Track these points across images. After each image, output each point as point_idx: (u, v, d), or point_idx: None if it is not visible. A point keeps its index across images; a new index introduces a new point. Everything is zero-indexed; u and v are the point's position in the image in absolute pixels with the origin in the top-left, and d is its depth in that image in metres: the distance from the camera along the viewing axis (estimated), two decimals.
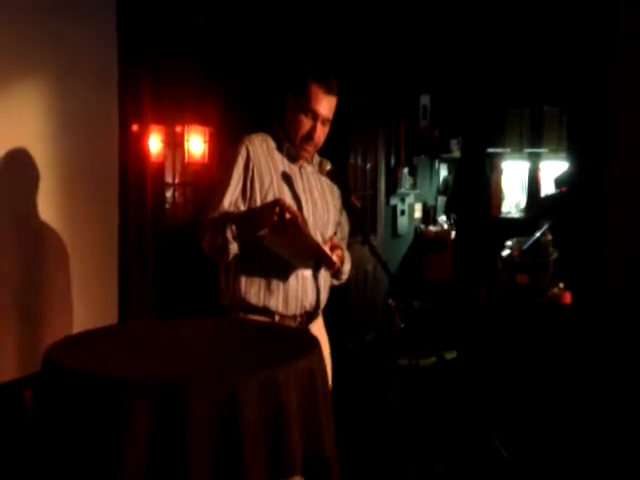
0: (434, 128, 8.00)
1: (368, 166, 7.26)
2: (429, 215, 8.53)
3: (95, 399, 1.89)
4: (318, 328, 2.93)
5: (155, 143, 5.00)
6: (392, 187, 7.55)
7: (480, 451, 3.87)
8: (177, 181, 5.32)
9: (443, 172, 8.76)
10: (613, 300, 5.09)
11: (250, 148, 2.80)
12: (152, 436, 1.84)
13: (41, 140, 3.74)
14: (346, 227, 3.13)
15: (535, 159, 7.26)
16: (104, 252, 4.24)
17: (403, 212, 7.92)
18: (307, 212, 2.85)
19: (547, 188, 7.08)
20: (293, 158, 2.90)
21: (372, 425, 4.65)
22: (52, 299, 3.80)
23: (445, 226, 8.32)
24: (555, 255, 5.75)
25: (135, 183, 4.54)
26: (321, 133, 2.84)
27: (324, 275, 2.91)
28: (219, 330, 2.61)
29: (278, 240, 2.67)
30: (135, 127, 4.61)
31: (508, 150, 7.30)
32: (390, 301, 2.57)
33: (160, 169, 5.12)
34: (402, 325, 2.55)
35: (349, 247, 3.09)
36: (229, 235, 2.62)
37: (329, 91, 2.81)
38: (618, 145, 5.24)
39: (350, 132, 6.67)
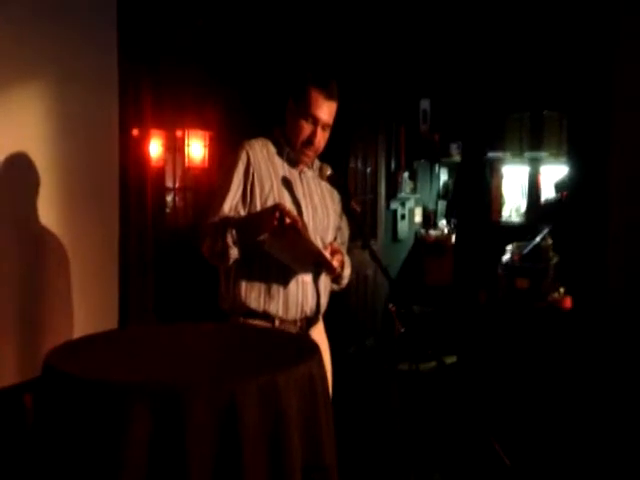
0: (434, 132, 8.01)
1: (368, 170, 7.27)
2: (429, 219, 8.53)
3: (95, 404, 1.89)
4: (318, 333, 2.92)
5: (155, 147, 5.01)
6: (392, 191, 7.56)
7: (481, 457, 3.87)
8: (177, 185, 5.33)
9: (443, 176, 8.77)
10: (613, 305, 5.09)
11: (250, 153, 2.80)
12: (152, 440, 1.84)
13: (41, 144, 3.74)
14: (346, 232, 3.13)
15: (535, 163, 7.26)
16: (104, 256, 4.24)
17: (403, 216, 7.93)
18: (307, 217, 2.85)
19: (547, 193, 7.08)
20: (293, 163, 2.90)
21: (372, 430, 4.64)
22: (52, 304, 3.80)
23: (445, 230, 8.33)
24: (555, 260, 5.76)
25: (135, 187, 4.55)
26: (321, 138, 2.84)
27: (324, 280, 2.91)
28: (219, 335, 2.60)
29: (278, 245, 2.67)
30: (135, 131, 4.61)
31: (508, 154, 7.31)
32: (390, 306, 2.57)
33: (160, 173, 5.13)
34: (402, 330, 2.55)
35: (349, 252, 3.08)
36: (229, 240, 2.62)
37: (329, 96, 2.81)
38: (618, 149, 5.25)
39: (350, 136, 6.68)
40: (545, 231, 5.90)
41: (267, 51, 5.51)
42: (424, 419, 4.85)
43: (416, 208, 8.29)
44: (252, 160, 2.79)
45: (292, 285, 2.79)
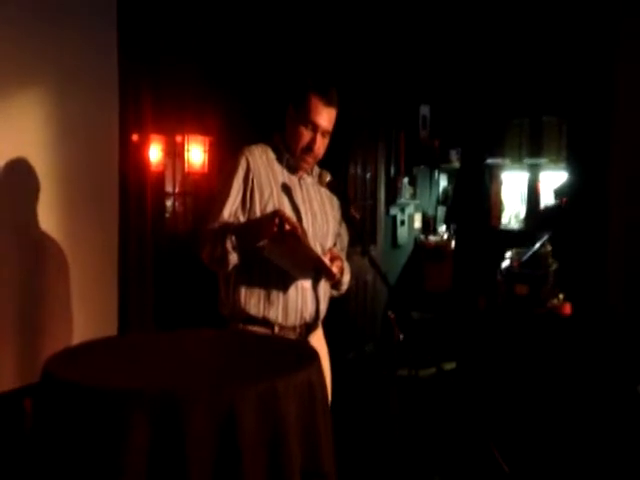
0: (434, 138, 8.02)
1: (368, 176, 7.27)
2: (429, 225, 8.53)
3: (94, 411, 1.89)
4: (318, 340, 2.93)
5: (155, 152, 5.01)
6: (392, 197, 7.56)
7: (480, 463, 3.87)
8: (177, 190, 5.33)
9: (443, 182, 8.77)
10: (613, 311, 5.10)
11: (250, 159, 2.81)
12: (152, 447, 1.84)
13: (41, 149, 3.74)
14: (345, 238, 3.13)
15: (535, 170, 7.27)
16: (104, 261, 4.24)
17: (403, 222, 7.93)
18: (306, 223, 2.85)
19: (547, 199, 7.09)
20: (293, 169, 2.90)
21: (372, 436, 4.64)
22: (52, 309, 3.80)
23: (445, 236, 8.33)
24: (555, 266, 5.76)
25: (135, 192, 4.54)
26: (321, 145, 2.85)
27: (324, 286, 2.91)
28: (219, 341, 2.61)
29: (278, 251, 2.67)
30: (135, 136, 4.61)
31: (507, 161, 7.31)
32: (389, 313, 2.57)
33: (160, 178, 5.13)
34: (401, 337, 2.55)
35: (348, 258, 3.09)
36: (229, 246, 2.62)
37: (329, 103, 2.81)
38: (617, 155, 5.26)
39: (350, 142, 6.68)
40: (544, 237, 5.90)
41: (268, 57, 5.52)
42: (423, 425, 4.85)
43: (416, 214, 8.29)
44: (252, 166, 2.80)
45: (291, 291, 2.79)
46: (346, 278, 3.00)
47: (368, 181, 7.29)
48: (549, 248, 5.83)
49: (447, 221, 8.54)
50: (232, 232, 2.64)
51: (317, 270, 2.78)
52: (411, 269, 8.09)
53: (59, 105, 3.84)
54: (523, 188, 7.52)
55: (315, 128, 2.80)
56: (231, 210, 2.77)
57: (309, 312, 2.85)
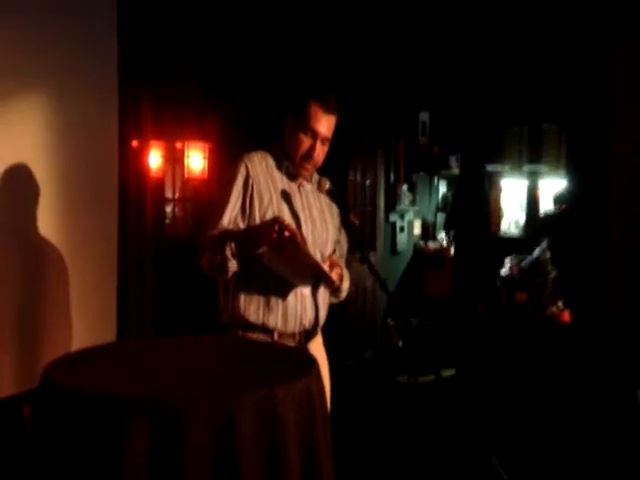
0: (433, 145, 8.03)
1: (367, 183, 7.28)
2: (428, 232, 8.53)
3: (93, 418, 1.89)
4: (317, 347, 2.92)
5: (155, 159, 5.02)
6: (391, 204, 7.57)
7: (479, 470, 3.86)
8: (177, 196, 5.34)
9: (442, 189, 8.78)
10: (612, 318, 5.10)
11: (249, 166, 2.81)
12: (150, 455, 1.84)
13: (41, 155, 3.74)
14: (345, 245, 3.13)
15: (534, 177, 7.28)
16: (103, 267, 4.23)
17: (402, 229, 7.93)
18: (306, 230, 2.85)
19: (546, 206, 7.09)
20: (292, 176, 2.90)
21: (371, 443, 4.63)
22: (51, 315, 3.80)
23: (444, 243, 8.33)
24: (554, 273, 5.76)
25: (135, 198, 4.55)
26: (320, 152, 2.85)
27: (323, 293, 2.91)
28: (218, 348, 2.60)
29: (277, 258, 2.67)
30: (135, 143, 4.62)
31: (507, 167, 7.32)
32: (389, 320, 2.57)
33: (160, 184, 5.14)
34: (400, 344, 2.55)
35: (348, 264, 3.08)
36: (228, 253, 2.62)
37: (328, 110, 2.82)
38: (617, 163, 5.27)
39: (349, 149, 6.69)
40: (544, 244, 5.91)
41: (267, 64, 5.53)
42: (423, 432, 4.85)
43: (415, 220, 8.29)
44: (251, 173, 2.80)
45: (291, 298, 2.79)
46: (345, 285, 3.00)
47: (367, 188, 7.29)
48: (548, 255, 5.84)
49: (446, 228, 8.55)
50: (231, 239, 2.64)
51: (316, 277, 2.78)
52: (410, 275, 8.09)
53: (59, 110, 3.84)
54: (522, 195, 7.52)
55: (315, 135, 2.81)
56: (230, 217, 2.77)
57: (308, 319, 2.85)
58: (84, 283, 3.95)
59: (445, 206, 8.73)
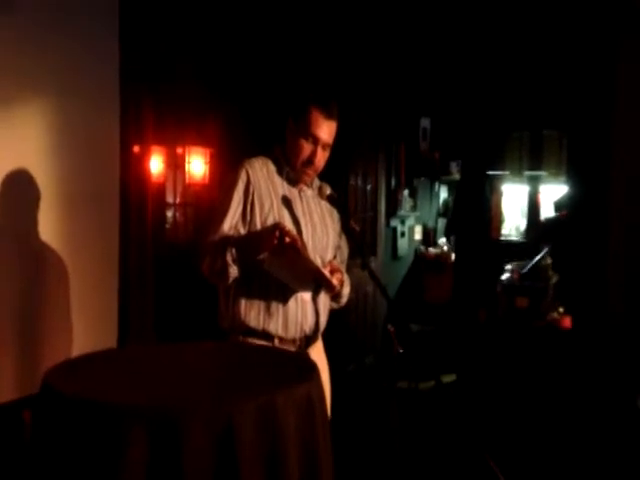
0: (434, 150, 8.03)
1: (368, 188, 7.28)
2: (429, 237, 8.53)
3: (93, 425, 1.88)
4: (317, 353, 2.92)
5: (156, 164, 5.02)
6: (392, 209, 7.56)
7: (479, 476, 3.86)
8: (178, 201, 5.34)
9: (443, 194, 8.78)
10: (613, 324, 5.09)
11: (250, 172, 2.81)
12: (149, 463, 1.83)
13: (42, 160, 3.75)
14: (345, 250, 3.13)
15: (535, 182, 7.28)
16: (104, 272, 4.24)
17: (403, 234, 7.93)
18: (307, 236, 2.85)
19: (547, 211, 7.09)
20: (293, 182, 2.91)
21: (371, 449, 4.63)
22: (52, 319, 3.80)
23: (445, 248, 8.32)
24: (555, 279, 5.76)
25: (136, 203, 4.55)
26: (321, 158, 2.86)
27: (323, 298, 2.91)
28: (218, 353, 2.60)
29: (278, 264, 2.67)
30: (136, 148, 4.62)
31: (508, 173, 7.32)
32: (389, 326, 2.57)
33: (161, 189, 5.14)
34: (401, 351, 2.55)
35: (348, 270, 3.09)
36: (229, 258, 2.62)
37: (329, 116, 2.82)
38: (618, 168, 5.27)
39: (350, 154, 6.69)
40: (545, 250, 5.91)
41: (268, 69, 5.53)
42: (423, 438, 4.84)
43: (416, 226, 8.29)
44: (252, 179, 2.80)
45: (291, 304, 2.79)
46: (346, 290, 3.00)
47: (368, 193, 7.29)
48: (549, 261, 5.83)
49: (447, 233, 8.55)
50: (232, 245, 2.64)
51: (317, 282, 2.79)
52: (411, 281, 8.09)
53: (60, 115, 3.85)
54: (523, 200, 7.53)
55: (316, 141, 2.81)
56: (231, 223, 2.77)
57: (309, 324, 2.85)
58: (85, 287, 3.95)
59: (446, 211, 8.74)
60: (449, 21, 6.34)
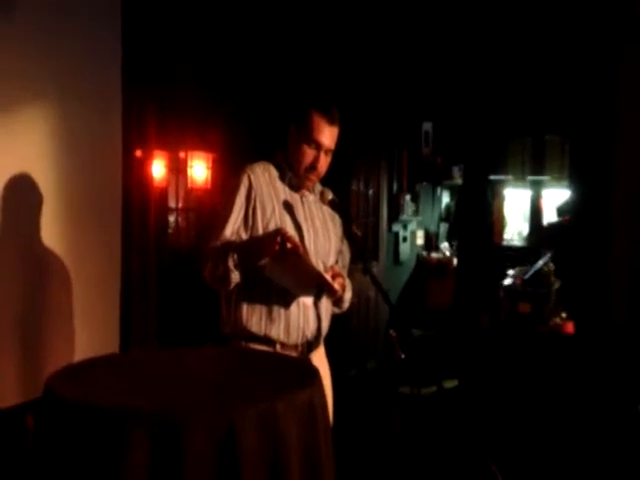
0: (436, 155, 8.04)
1: (370, 193, 7.28)
2: (431, 242, 8.53)
3: (95, 430, 1.88)
4: (319, 358, 2.92)
5: (158, 168, 5.02)
6: (394, 214, 7.57)
7: None
8: (180, 206, 5.34)
9: (445, 199, 8.79)
10: (616, 330, 5.08)
11: (252, 177, 2.82)
12: (152, 465, 1.83)
13: (45, 165, 3.74)
14: (347, 255, 3.13)
15: (537, 187, 7.28)
16: (107, 277, 4.23)
17: (405, 239, 7.93)
18: (308, 241, 2.85)
19: (549, 216, 7.09)
20: (295, 187, 2.91)
21: (373, 454, 4.62)
22: (55, 324, 3.80)
23: (447, 253, 8.33)
24: (557, 284, 5.75)
25: (138, 208, 4.55)
26: (324, 163, 2.86)
27: (325, 303, 2.91)
28: (220, 359, 2.60)
29: (279, 269, 2.67)
30: (139, 152, 4.62)
31: (510, 178, 7.33)
32: (391, 332, 2.57)
33: (163, 194, 5.14)
34: (402, 356, 2.55)
35: (350, 275, 3.09)
36: (230, 264, 2.62)
37: (331, 121, 2.83)
38: (621, 172, 5.26)
39: (352, 159, 6.69)
40: (547, 255, 5.91)
41: (270, 75, 5.54)
42: (425, 443, 4.83)
43: (418, 230, 8.30)
44: (254, 184, 2.81)
45: (293, 309, 2.79)
46: (348, 295, 3.00)
47: (370, 198, 7.30)
48: (552, 266, 5.83)
49: (449, 238, 8.55)
50: (234, 250, 2.65)
51: (319, 288, 2.78)
52: (413, 286, 8.09)
53: (62, 120, 3.85)
54: (526, 205, 7.52)
55: (318, 147, 2.81)
56: (233, 228, 2.77)
57: (311, 330, 2.85)
58: (87, 292, 3.95)
59: (448, 216, 8.74)
60: (451, 26, 6.34)
